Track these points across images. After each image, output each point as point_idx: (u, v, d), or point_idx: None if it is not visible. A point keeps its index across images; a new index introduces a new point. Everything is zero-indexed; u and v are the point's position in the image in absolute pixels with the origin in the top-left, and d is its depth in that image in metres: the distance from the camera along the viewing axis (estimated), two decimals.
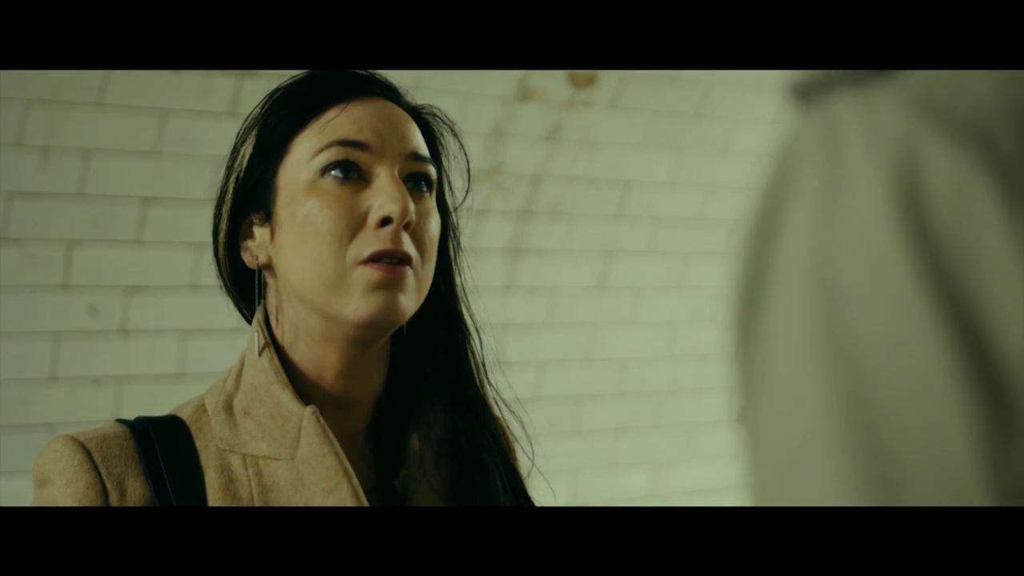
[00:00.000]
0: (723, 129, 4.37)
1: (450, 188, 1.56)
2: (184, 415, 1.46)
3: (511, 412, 1.60)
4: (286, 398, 1.43)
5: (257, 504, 1.40)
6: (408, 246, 1.41)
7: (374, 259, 1.40)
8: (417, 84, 3.46)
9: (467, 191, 1.59)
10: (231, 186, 1.49)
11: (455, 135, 1.57)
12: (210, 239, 1.54)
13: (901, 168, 0.54)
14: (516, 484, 1.57)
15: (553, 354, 4.29)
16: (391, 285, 1.40)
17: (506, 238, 4.05)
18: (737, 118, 4.36)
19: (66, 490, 1.37)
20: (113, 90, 3.19)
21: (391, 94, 1.50)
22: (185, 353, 3.47)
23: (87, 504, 1.37)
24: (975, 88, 0.55)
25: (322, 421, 1.42)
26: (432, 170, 1.48)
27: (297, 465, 1.41)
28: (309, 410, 1.42)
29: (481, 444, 1.53)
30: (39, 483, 1.41)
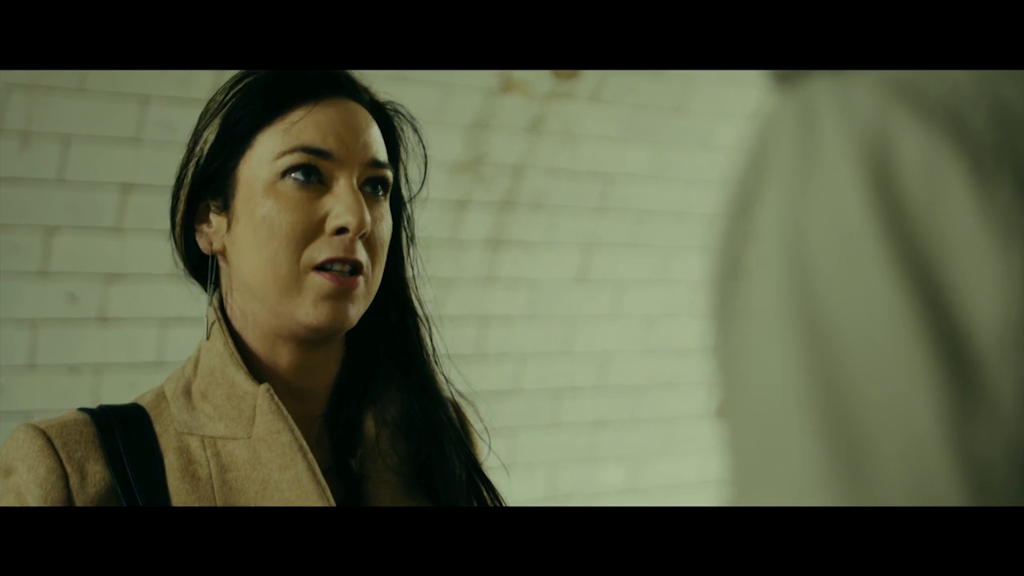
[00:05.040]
0: (705, 123, 4.37)
1: (406, 180, 1.60)
2: (144, 402, 1.50)
3: (467, 401, 1.65)
4: (240, 378, 1.47)
5: (216, 483, 1.44)
6: (361, 253, 1.45)
7: (327, 265, 1.44)
8: (399, 75, 3.45)
9: (422, 184, 1.62)
10: (191, 170, 1.52)
11: (415, 130, 1.60)
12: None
13: (873, 145, 0.55)
14: (473, 464, 1.61)
15: (533, 347, 4.29)
16: (341, 296, 1.44)
17: (487, 230, 4.05)
18: (719, 112, 4.37)
19: (28, 475, 1.41)
20: (94, 76, 3.18)
21: (356, 93, 1.53)
22: (164, 341, 3.46)
23: (48, 487, 1.41)
24: (948, 72, 0.56)
25: (276, 398, 1.46)
26: (389, 174, 1.52)
27: (253, 443, 1.45)
28: (263, 388, 1.46)
29: (437, 422, 1.57)
30: (4, 473, 1.45)
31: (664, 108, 4.26)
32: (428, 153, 1.61)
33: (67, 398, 3.30)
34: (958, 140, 0.54)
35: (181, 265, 1.57)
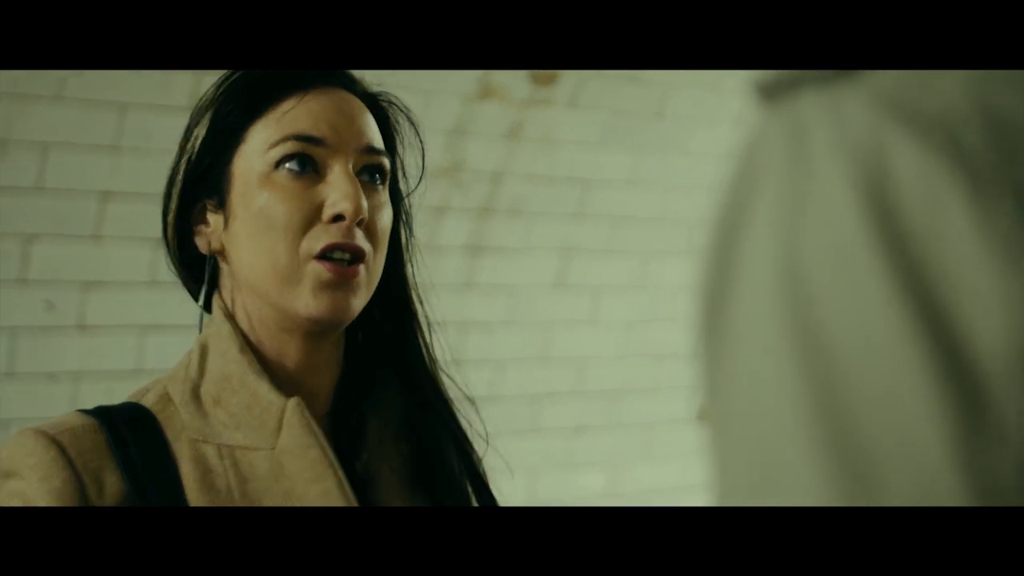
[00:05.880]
0: (683, 128, 4.37)
1: (404, 175, 1.57)
2: (148, 404, 1.45)
3: (467, 404, 1.62)
4: (264, 388, 1.43)
5: (236, 494, 1.39)
6: (361, 240, 1.42)
7: (327, 254, 1.41)
8: (378, 81, 3.45)
9: (420, 178, 1.60)
10: (182, 168, 1.49)
11: (411, 122, 1.58)
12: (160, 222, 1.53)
13: (869, 166, 0.54)
14: (472, 467, 1.59)
15: (511, 353, 4.29)
16: (341, 286, 1.41)
17: (465, 236, 4.05)
18: (697, 117, 4.37)
19: (40, 486, 1.34)
20: (72, 84, 3.17)
21: (348, 83, 1.51)
22: (143, 349, 3.46)
23: (64, 500, 1.33)
24: (940, 87, 0.55)
25: (306, 412, 1.43)
26: (386, 162, 1.49)
27: (277, 455, 1.41)
28: (293, 401, 1.43)
29: (434, 425, 1.55)
30: (4, 474, 1.37)
31: (642, 113, 4.27)
32: (425, 146, 1.59)
33: (46, 406, 3.29)
34: (955, 160, 0.53)
35: (173, 268, 1.54)
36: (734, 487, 0.57)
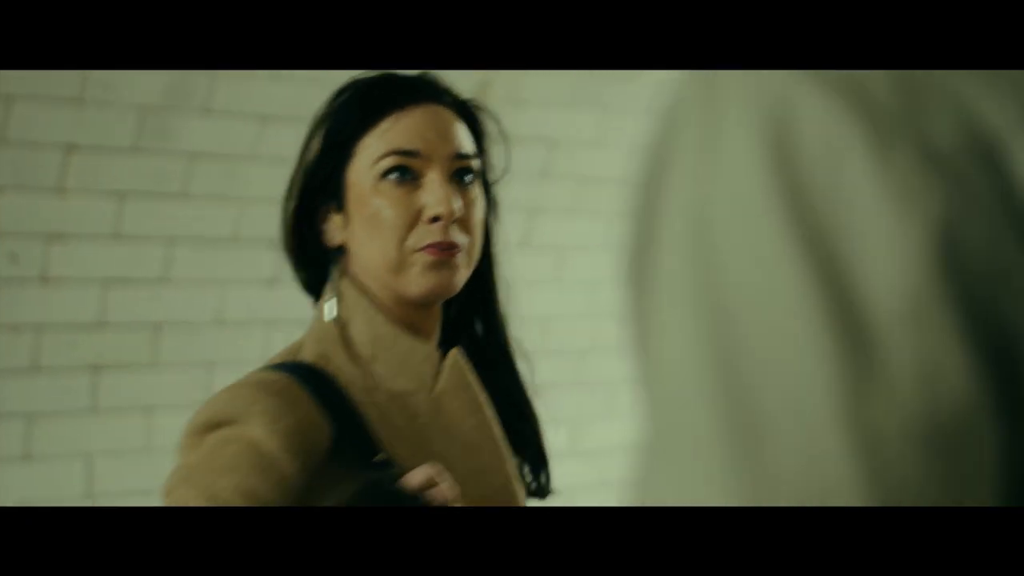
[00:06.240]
0: (651, 89, 4.38)
1: (492, 165, 1.85)
2: (313, 362, 1.68)
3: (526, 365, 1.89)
4: (419, 344, 1.73)
5: (408, 430, 1.67)
6: (456, 235, 1.70)
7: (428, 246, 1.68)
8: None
9: (506, 168, 1.88)
10: (300, 173, 1.76)
11: (496, 122, 1.87)
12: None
13: (773, 117, 0.55)
14: (534, 430, 1.88)
15: None
16: (444, 265, 1.69)
17: None
18: (665, 78, 4.36)
19: (270, 427, 1.56)
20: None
21: (437, 96, 1.78)
22: (105, 302, 3.45)
23: (292, 439, 1.56)
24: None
25: (463, 361, 1.75)
26: (475, 163, 1.77)
27: (437, 396, 1.72)
28: (455, 351, 1.75)
29: (511, 390, 1.85)
30: (213, 426, 1.59)
31: (611, 73, 4.27)
32: (508, 142, 1.87)
33: (8, 357, 3.29)
34: (858, 107, 0.53)
35: (290, 261, 1.79)
36: (653, 441, 0.58)
